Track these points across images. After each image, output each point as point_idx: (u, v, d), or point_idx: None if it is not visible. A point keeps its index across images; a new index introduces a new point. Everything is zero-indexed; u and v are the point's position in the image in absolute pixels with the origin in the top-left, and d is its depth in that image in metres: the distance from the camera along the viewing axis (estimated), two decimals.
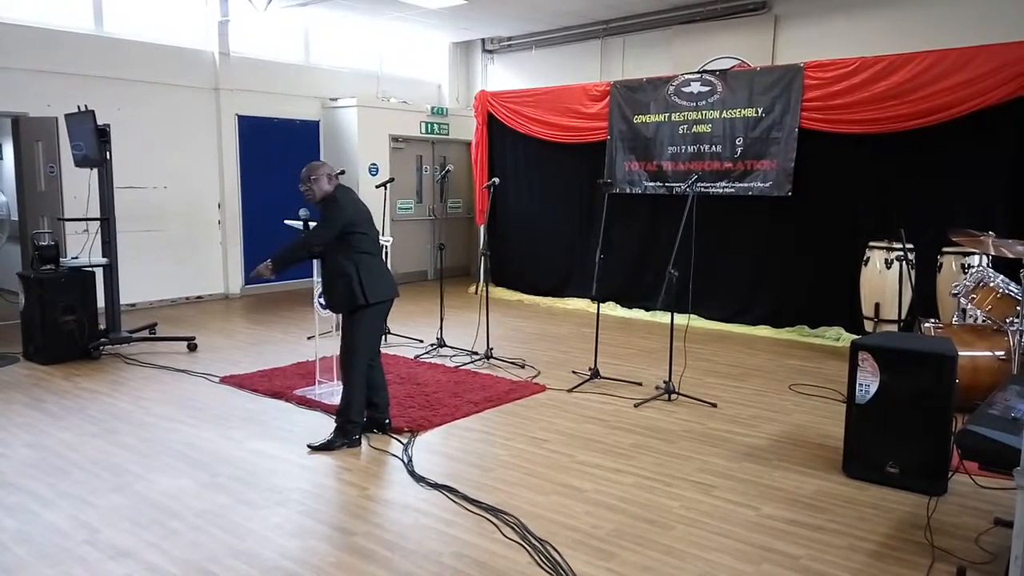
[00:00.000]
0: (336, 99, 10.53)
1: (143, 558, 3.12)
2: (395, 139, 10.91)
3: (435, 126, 11.40)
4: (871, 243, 6.57)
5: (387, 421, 4.65)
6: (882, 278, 6.36)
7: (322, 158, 10.41)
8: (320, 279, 4.45)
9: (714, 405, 5.27)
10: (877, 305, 6.38)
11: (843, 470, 4.05)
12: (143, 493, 3.77)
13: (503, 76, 11.74)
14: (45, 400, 5.30)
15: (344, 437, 4.37)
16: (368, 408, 4.57)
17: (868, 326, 6.54)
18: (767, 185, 7.70)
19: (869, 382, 3.93)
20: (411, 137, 11.15)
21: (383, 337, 7.13)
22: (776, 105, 7.59)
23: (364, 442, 4.48)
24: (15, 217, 8.19)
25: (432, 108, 11.39)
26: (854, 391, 3.98)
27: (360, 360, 4.36)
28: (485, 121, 10.13)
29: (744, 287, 7.96)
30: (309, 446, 4.35)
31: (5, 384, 5.70)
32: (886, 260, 6.36)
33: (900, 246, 5.74)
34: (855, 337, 4.98)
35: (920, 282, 6.14)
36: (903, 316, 5.84)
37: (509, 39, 11.55)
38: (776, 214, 7.66)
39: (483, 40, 11.89)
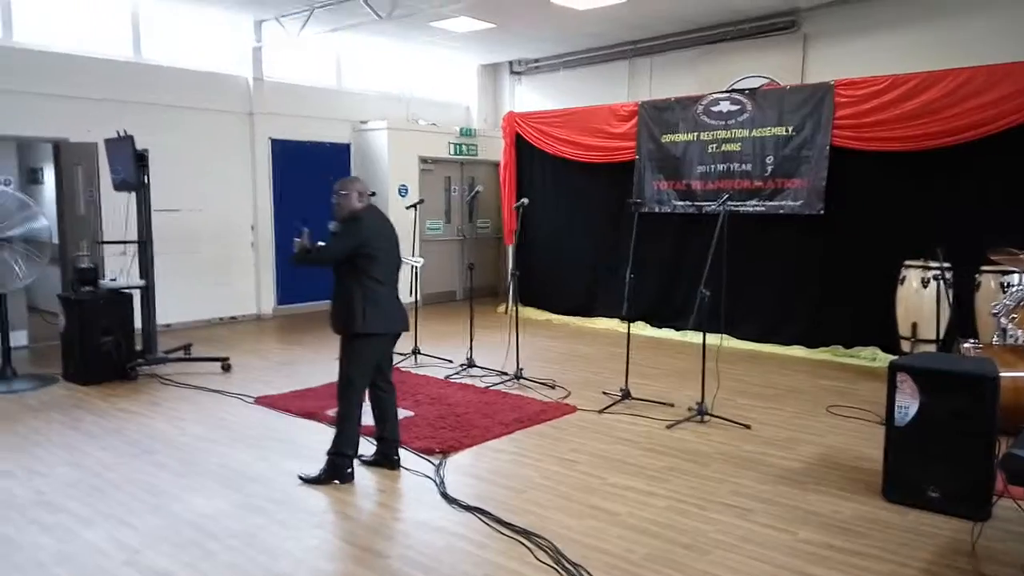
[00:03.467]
0: (366, 122, 10.68)
1: None
2: (424, 160, 11.02)
3: (464, 147, 11.50)
4: (907, 262, 6.48)
5: (396, 457, 4.43)
6: (919, 297, 6.26)
7: None
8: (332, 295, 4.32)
9: (748, 427, 5.20)
10: (914, 325, 6.28)
11: (882, 494, 3.97)
12: (180, 514, 3.81)
13: (531, 97, 11.82)
14: (84, 420, 5.40)
15: (335, 473, 4.19)
16: (377, 442, 4.44)
17: (905, 346, 6.43)
18: (798, 204, 7.63)
19: (908, 404, 3.86)
20: (440, 159, 11.26)
21: (414, 357, 7.19)
22: (807, 123, 7.54)
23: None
24: (56, 240, 8.39)
25: (461, 129, 11.50)
26: (893, 413, 3.91)
27: (354, 392, 4.20)
28: (513, 142, 10.20)
29: (776, 306, 7.88)
30: (300, 477, 4.23)
31: (45, 404, 5.82)
32: (923, 279, 6.26)
33: (937, 264, 5.65)
34: (891, 358, 4.91)
35: (958, 301, 6.03)
36: (941, 336, 5.73)
37: (536, 61, 11.64)
38: (808, 233, 7.59)
39: (511, 62, 12.00)
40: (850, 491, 4.08)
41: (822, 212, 7.45)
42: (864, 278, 7.13)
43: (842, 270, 7.36)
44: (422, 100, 11.61)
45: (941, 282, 5.72)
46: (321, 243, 4.28)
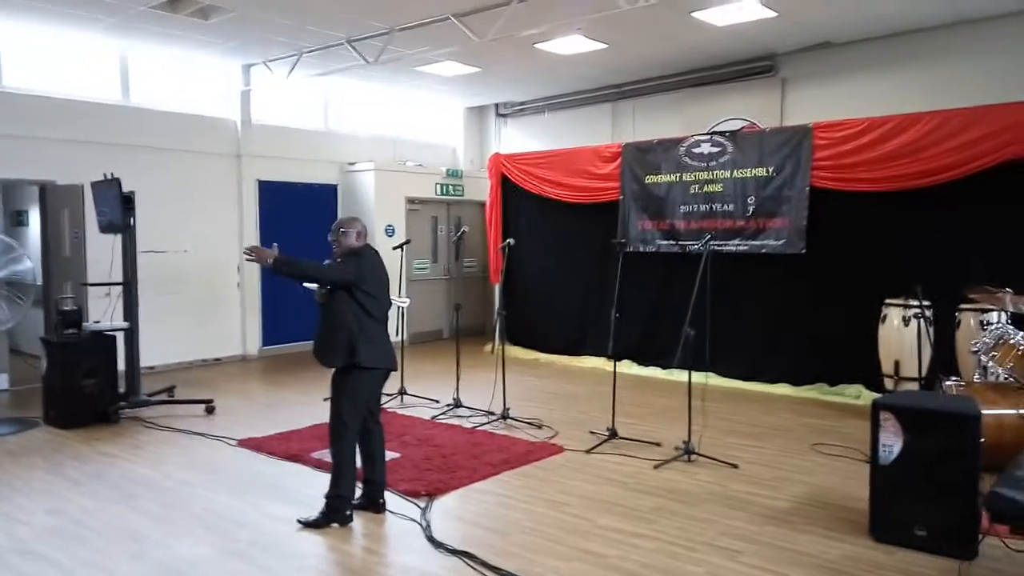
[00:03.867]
0: (354, 163, 10.77)
1: None
2: (411, 201, 11.10)
3: (450, 188, 11.60)
4: (888, 300, 6.57)
5: (382, 500, 4.39)
6: (900, 335, 6.33)
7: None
8: (316, 331, 4.27)
9: (735, 466, 5.20)
10: (897, 363, 6.34)
11: (870, 533, 3.97)
12: (162, 560, 3.75)
13: (516, 138, 11.98)
14: (65, 465, 5.32)
15: (334, 515, 4.16)
16: (363, 484, 4.38)
17: (888, 384, 6.48)
18: (780, 243, 7.74)
19: (892, 442, 3.89)
20: (427, 199, 11.34)
21: (400, 398, 7.16)
22: (786, 164, 7.69)
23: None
24: (40, 282, 8.35)
25: (447, 170, 11.61)
26: (877, 452, 3.93)
27: (349, 431, 4.18)
28: (499, 182, 10.30)
29: (761, 344, 7.93)
30: (299, 521, 4.17)
31: (26, 449, 5.73)
32: (904, 317, 6.34)
33: (917, 303, 5.73)
34: (876, 395, 4.95)
35: (939, 339, 6.10)
36: (923, 374, 5.79)
37: (522, 103, 11.83)
38: (791, 271, 7.68)
39: (496, 104, 12.19)
40: (838, 531, 4.08)
41: (804, 251, 7.56)
42: (847, 316, 7.21)
43: (825, 308, 7.43)
44: (409, 141, 11.73)
45: (922, 320, 5.79)
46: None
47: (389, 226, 10.67)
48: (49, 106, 8.09)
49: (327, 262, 4.37)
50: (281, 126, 10.19)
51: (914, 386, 5.98)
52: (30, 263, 6.58)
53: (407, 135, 11.77)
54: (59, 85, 8.29)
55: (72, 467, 5.27)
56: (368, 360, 4.14)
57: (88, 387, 6.42)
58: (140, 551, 3.86)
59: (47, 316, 8.20)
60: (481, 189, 11.17)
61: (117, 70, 8.77)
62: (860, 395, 7.10)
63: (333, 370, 4.27)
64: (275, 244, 4.14)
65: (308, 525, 4.15)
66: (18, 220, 9.91)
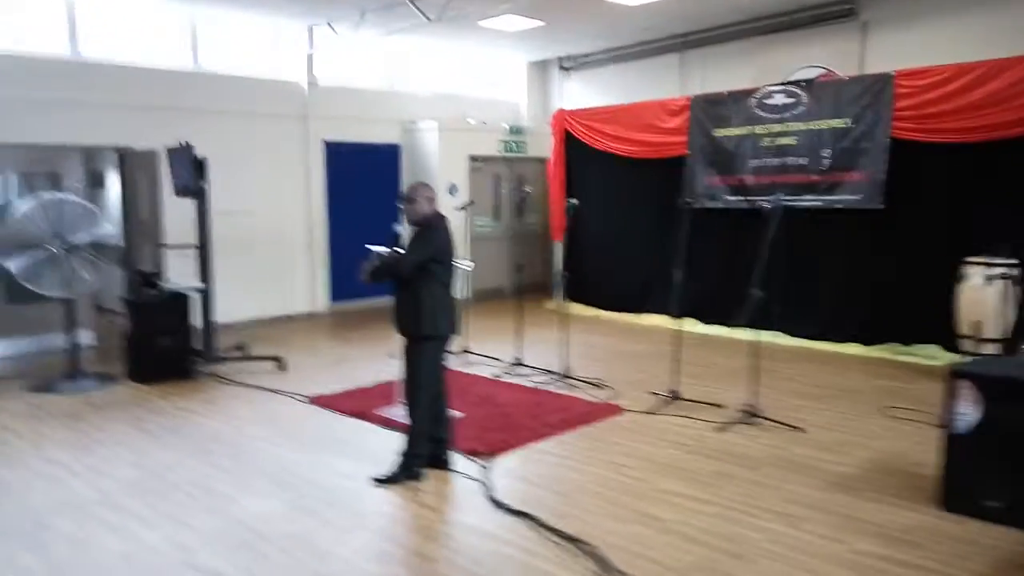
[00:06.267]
0: (417, 122, 10.77)
1: None
2: (474, 159, 11.06)
3: (513, 145, 11.50)
4: (969, 259, 6.23)
5: (445, 458, 4.49)
6: (982, 295, 6.02)
7: (403, 179, 10.68)
8: (394, 299, 4.37)
9: (801, 429, 5.09)
10: (977, 323, 6.04)
11: (939, 502, 3.85)
12: (235, 515, 3.93)
13: (580, 93, 11.75)
14: (145, 419, 5.60)
15: (407, 471, 4.31)
16: (429, 442, 4.45)
17: (967, 345, 6.19)
18: (857, 198, 7.41)
19: (968, 411, 3.73)
20: (489, 156, 11.28)
21: (463, 356, 7.24)
22: (865, 115, 7.31)
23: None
24: (121, 244, 8.69)
25: (510, 127, 11.50)
26: (952, 420, 3.78)
27: (425, 393, 4.31)
28: (562, 139, 10.16)
29: (832, 303, 7.67)
30: (374, 479, 4.30)
31: (110, 404, 6.05)
32: (987, 276, 6.02)
33: (1001, 262, 5.43)
34: (953, 358, 4.74)
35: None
36: (1006, 336, 5.51)
37: (586, 55, 11.55)
38: (867, 227, 7.36)
39: (560, 58, 11.94)
40: (906, 499, 3.97)
41: (882, 206, 7.22)
42: (925, 274, 6.90)
43: (902, 266, 7.12)
44: (472, 98, 11.64)
45: (1008, 281, 5.49)
46: (382, 249, 4.33)
47: (452, 185, 10.67)
48: (124, 74, 8.33)
49: (399, 227, 4.42)
50: (345, 87, 10.24)
51: (993, 348, 5.70)
52: (111, 227, 6.86)
53: (470, 92, 11.68)
54: (133, 53, 8.51)
55: (151, 421, 5.55)
56: (443, 329, 4.29)
57: (165, 344, 6.71)
58: (215, 505, 4.06)
59: (128, 276, 8.55)
60: (544, 146, 11.04)
61: (188, 36, 8.93)
62: (936, 356, 6.81)
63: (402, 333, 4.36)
64: (374, 251, 4.34)
65: (384, 481, 4.29)
66: (97, 181, 10.30)
